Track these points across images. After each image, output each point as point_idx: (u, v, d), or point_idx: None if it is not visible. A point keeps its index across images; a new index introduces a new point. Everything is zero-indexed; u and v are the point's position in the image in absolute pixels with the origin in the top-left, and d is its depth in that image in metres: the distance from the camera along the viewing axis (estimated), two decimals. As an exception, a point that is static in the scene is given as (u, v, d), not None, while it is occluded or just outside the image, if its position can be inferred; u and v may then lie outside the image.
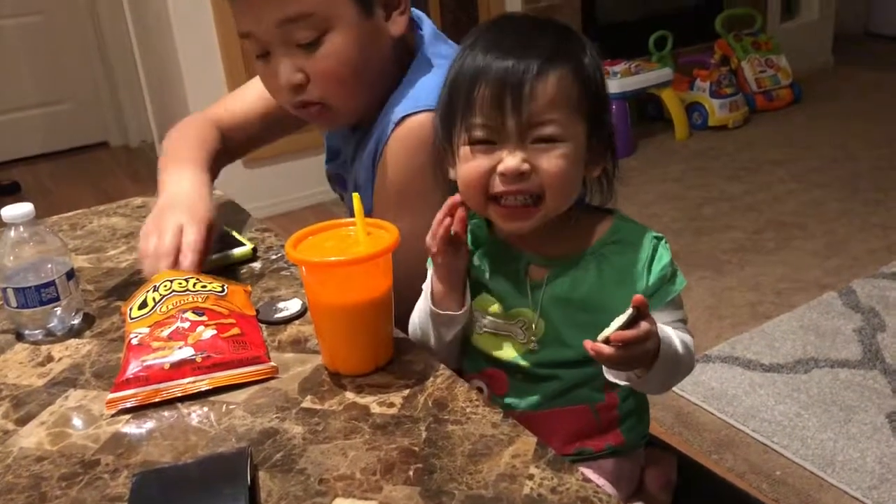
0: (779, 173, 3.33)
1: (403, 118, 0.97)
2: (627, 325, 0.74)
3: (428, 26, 1.08)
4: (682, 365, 0.84)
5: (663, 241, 0.87)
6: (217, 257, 1.09)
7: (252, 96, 1.25)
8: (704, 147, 3.71)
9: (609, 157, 0.87)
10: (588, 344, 0.75)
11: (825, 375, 1.99)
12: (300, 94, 1.00)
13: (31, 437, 0.77)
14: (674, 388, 1.94)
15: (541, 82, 0.79)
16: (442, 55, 1.03)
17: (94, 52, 4.34)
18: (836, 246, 2.67)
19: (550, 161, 0.80)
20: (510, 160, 0.80)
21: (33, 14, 4.19)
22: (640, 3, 4.05)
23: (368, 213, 1.04)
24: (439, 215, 0.85)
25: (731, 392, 1.95)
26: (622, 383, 0.82)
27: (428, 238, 0.86)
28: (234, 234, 1.16)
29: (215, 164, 1.19)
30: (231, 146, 1.25)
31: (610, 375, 0.82)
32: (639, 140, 3.75)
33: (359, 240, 0.82)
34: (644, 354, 0.77)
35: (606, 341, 0.74)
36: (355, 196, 0.83)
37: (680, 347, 0.83)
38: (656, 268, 0.85)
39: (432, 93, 0.94)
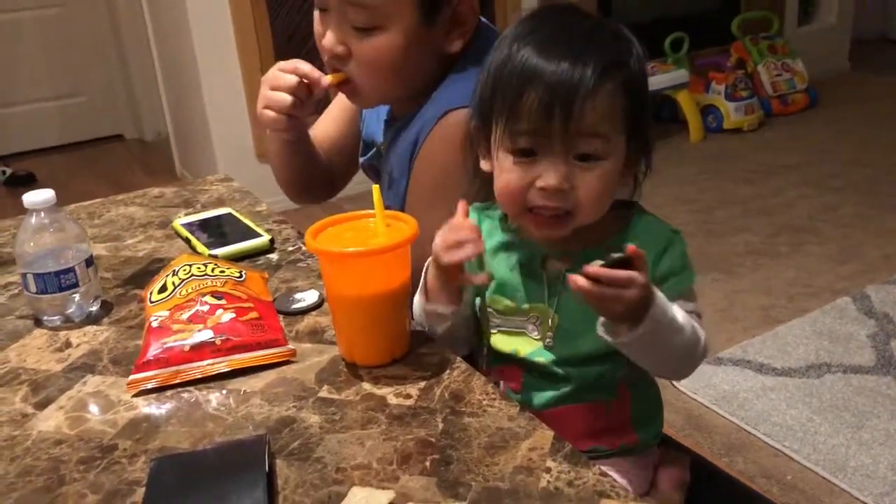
0: (793, 177, 3.31)
1: (447, 112, 0.98)
2: (611, 266, 0.74)
3: (489, 32, 1.08)
4: (686, 346, 0.81)
5: (679, 236, 0.87)
6: (234, 248, 1.10)
7: (329, 116, 1.29)
8: (719, 150, 3.69)
9: (643, 160, 0.86)
10: (571, 276, 0.74)
11: (838, 381, 1.97)
12: (337, 62, 1.03)
13: (50, 420, 0.78)
14: (685, 390, 1.96)
15: (592, 98, 0.77)
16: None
17: (110, 45, 4.37)
18: (851, 251, 2.66)
19: (589, 182, 0.79)
20: (551, 178, 0.78)
21: (51, 7, 4.22)
22: (656, 4, 4.04)
23: (402, 203, 1.04)
24: (456, 229, 0.81)
25: (742, 395, 1.94)
26: (608, 339, 0.80)
27: (447, 248, 0.81)
28: (252, 224, 1.17)
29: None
30: (330, 169, 1.28)
31: (601, 330, 0.80)
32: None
33: (378, 231, 0.82)
34: (626, 303, 0.75)
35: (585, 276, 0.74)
36: (375, 188, 0.83)
37: (686, 326, 0.81)
38: (667, 258, 0.85)
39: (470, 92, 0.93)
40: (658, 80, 3.63)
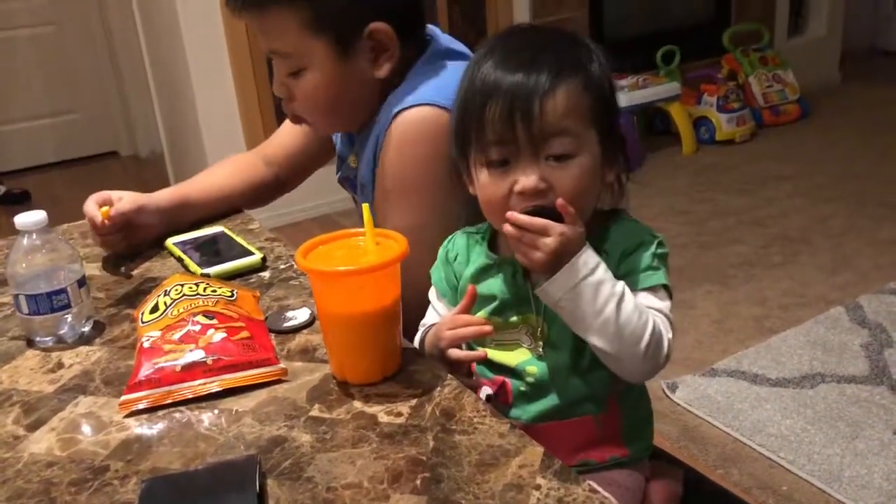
0: (785, 188, 3.33)
1: (402, 111, 1.01)
2: (532, 215, 0.79)
3: (436, 44, 1.11)
4: (626, 323, 0.80)
5: (658, 240, 0.87)
6: (226, 266, 1.10)
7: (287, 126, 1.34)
8: (711, 161, 3.71)
9: (621, 160, 0.88)
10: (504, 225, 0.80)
11: (832, 391, 1.98)
12: (285, 104, 1.12)
13: (42, 442, 0.78)
14: (680, 402, 1.97)
15: (550, 98, 0.80)
16: (438, 63, 1.08)
17: (105, 62, 4.38)
18: (843, 261, 2.67)
19: (566, 179, 0.81)
20: (525, 180, 0.80)
21: (46, 24, 4.23)
22: (648, 17, 4.07)
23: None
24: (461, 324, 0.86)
25: (737, 406, 1.95)
26: (538, 291, 0.83)
27: (452, 341, 0.87)
28: (244, 243, 1.17)
29: (215, 194, 1.32)
30: (282, 173, 1.36)
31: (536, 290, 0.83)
32: (646, 153, 3.76)
33: (368, 249, 0.83)
34: (543, 250, 0.79)
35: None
36: (365, 207, 0.84)
37: (628, 302, 0.80)
38: (635, 255, 0.85)
39: (433, 90, 0.99)
40: (650, 92, 3.65)
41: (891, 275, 2.54)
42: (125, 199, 1.18)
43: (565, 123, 0.80)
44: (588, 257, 0.80)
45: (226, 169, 1.36)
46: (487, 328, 0.86)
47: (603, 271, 0.81)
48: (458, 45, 1.13)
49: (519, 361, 0.89)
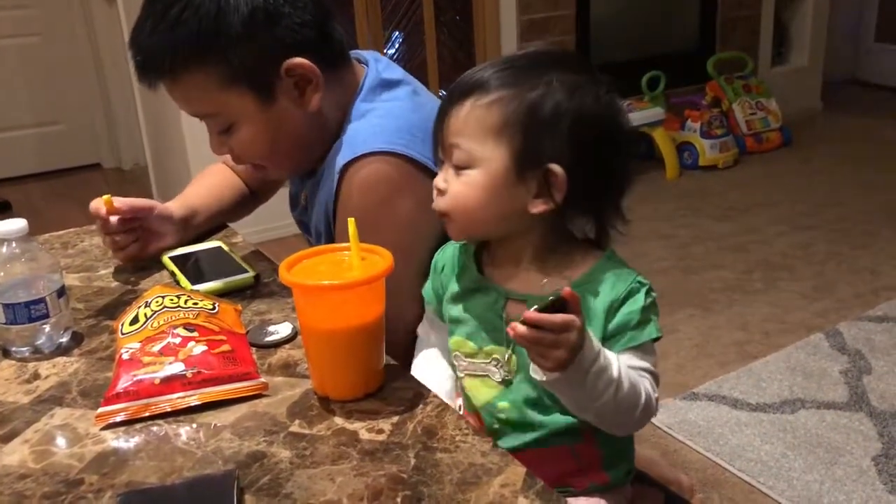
0: (767, 214, 3.36)
1: (347, 166, 1.01)
2: (545, 310, 0.72)
3: (370, 76, 1.10)
4: (619, 402, 0.79)
5: (645, 289, 0.84)
6: (216, 284, 1.08)
7: None
8: (694, 187, 3.74)
9: (551, 182, 0.83)
10: (512, 324, 0.73)
11: (811, 416, 1.99)
12: (234, 159, 1.11)
13: (15, 454, 0.77)
14: (660, 425, 1.96)
15: (454, 110, 0.85)
16: (377, 100, 1.07)
17: (90, 74, 4.37)
18: (824, 288, 2.69)
19: (456, 187, 0.85)
20: (436, 179, 0.88)
21: (32, 35, 4.21)
22: (634, 43, 4.12)
23: None
24: None
25: (717, 431, 1.95)
26: (539, 378, 0.78)
27: None
28: (239, 260, 1.15)
29: (211, 204, 1.31)
30: (251, 183, 1.35)
31: (532, 371, 0.79)
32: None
33: (352, 265, 0.82)
34: (566, 346, 0.74)
35: (524, 322, 0.72)
36: (350, 221, 0.83)
37: (623, 382, 0.79)
38: (625, 310, 0.83)
39: (372, 136, 1.00)
40: (635, 117, 3.68)
41: (870, 302, 2.56)
42: (137, 199, 1.17)
43: (461, 137, 0.84)
44: (589, 348, 0.77)
45: (215, 179, 1.34)
46: None
47: (603, 358, 0.78)
48: (393, 73, 1.11)
49: (490, 398, 0.89)
